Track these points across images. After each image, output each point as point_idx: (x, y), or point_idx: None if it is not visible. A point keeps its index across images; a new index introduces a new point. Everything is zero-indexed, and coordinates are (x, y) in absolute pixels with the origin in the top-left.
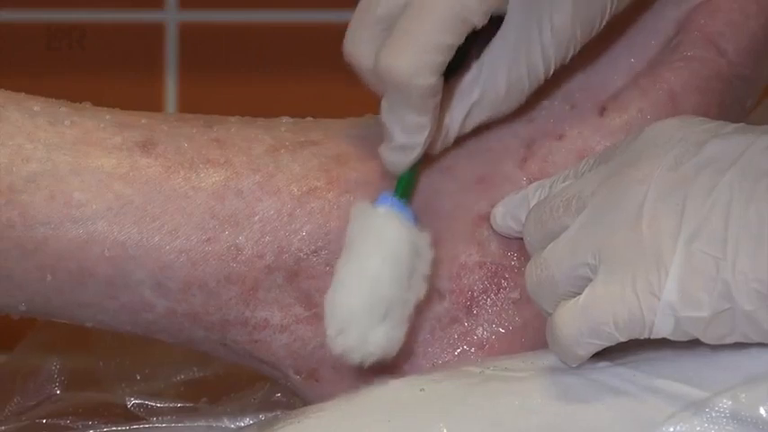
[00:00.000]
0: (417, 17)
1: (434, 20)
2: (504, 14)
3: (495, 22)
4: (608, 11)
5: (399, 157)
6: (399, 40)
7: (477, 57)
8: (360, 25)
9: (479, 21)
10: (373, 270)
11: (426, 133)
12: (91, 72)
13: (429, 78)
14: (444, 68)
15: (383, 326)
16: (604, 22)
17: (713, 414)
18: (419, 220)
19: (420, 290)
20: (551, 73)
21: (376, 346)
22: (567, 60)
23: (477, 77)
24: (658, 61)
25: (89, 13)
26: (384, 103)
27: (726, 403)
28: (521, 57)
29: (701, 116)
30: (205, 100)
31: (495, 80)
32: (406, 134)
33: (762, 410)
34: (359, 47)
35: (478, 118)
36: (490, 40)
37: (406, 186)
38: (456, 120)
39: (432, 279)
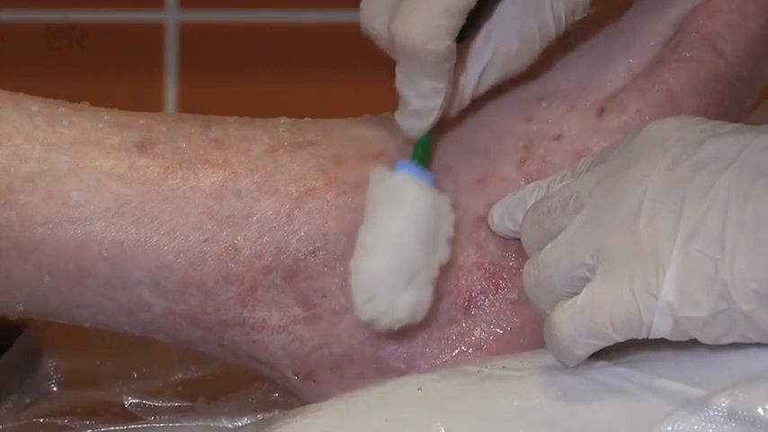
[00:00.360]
0: None
1: None
2: None
3: None
4: None
5: (415, 122)
6: (411, 7)
7: (489, 17)
8: None
9: None
10: (396, 235)
11: (442, 97)
12: (91, 72)
13: (443, 43)
14: (458, 32)
15: (409, 290)
16: None
17: (711, 413)
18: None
19: (444, 252)
20: (563, 30)
21: (404, 310)
22: (577, 17)
23: (489, 37)
24: (657, 62)
25: (89, 13)
26: (398, 70)
27: (724, 402)
28: (531, 13)
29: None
30: (205, 100)
31: (507, 37)
32: (421, 100)
33: (759, 410)
34: (374, 16)
35: (492, 78)
36: (499, 0)
37: (423, 152)
38: (470, 81)
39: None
